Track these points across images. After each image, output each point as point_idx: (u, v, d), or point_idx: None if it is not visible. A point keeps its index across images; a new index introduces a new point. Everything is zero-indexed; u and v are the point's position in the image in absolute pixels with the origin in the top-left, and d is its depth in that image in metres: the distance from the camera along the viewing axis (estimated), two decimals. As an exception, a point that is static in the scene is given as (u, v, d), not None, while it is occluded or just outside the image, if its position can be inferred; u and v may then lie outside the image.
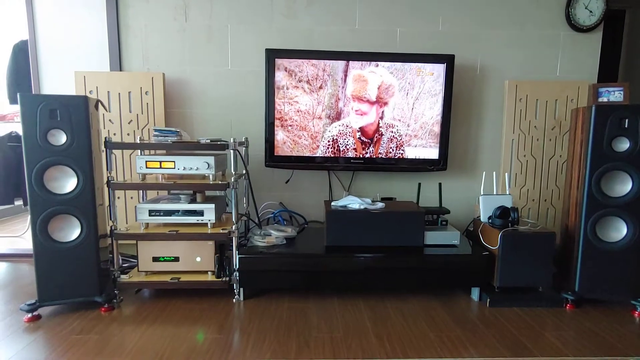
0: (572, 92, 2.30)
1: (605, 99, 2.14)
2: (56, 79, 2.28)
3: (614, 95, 2.12)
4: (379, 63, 2.12)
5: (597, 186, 1.75)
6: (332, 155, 2.20)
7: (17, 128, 2.95)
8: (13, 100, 2.77)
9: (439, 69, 2.14)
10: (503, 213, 1.87)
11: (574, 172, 1.87)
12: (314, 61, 2.11)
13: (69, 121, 1.59)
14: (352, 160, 2.20)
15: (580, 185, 1.81)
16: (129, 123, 2.23)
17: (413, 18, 2.29)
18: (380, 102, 2.14)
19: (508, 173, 2.28)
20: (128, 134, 2.23)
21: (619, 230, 1.78)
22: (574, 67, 2.36)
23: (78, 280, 1.67)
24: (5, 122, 3.07)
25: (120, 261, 1.94)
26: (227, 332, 1.55)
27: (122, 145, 1.93)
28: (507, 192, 2.05)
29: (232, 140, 1.81)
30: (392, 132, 2.16)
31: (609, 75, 2.35)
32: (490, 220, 1.93)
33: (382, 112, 2.15)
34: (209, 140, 1.81)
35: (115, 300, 1.77)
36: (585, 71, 2.36)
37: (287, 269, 1.81)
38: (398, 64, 2.12)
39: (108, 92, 2.20)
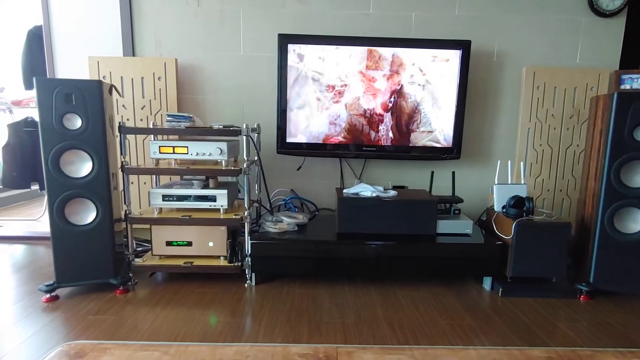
0: (592, 79, 2.23)
1: (627, 86, 2.08)
2: (70, 64, 2.29)
3: (637, 82, 2.05)
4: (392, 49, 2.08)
5: (616, 176, 1.71)
6: (344, 143, 2.18)
7: (33, 113, 3.00)
8: (28, 86, 2.80)
9: (455, 55, 2.09)
10: (517, 203, 1.84)
11: (592, 161, 1.82)
12: (326, 46, 2.08)
13: (84, 106, 1.60)
14: (363, 148, 2.19)
15: (598, 176, 1.76)
16: (142, 108, 2.24)
17: (429, 2, 2.23)
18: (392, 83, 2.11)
19: (523, 162, 2.23)
20: (141, 120, 2.25)
21: (637, 222, 1.74)
22: (595, 54, 2.28)
23: (94, 262, 1.70)
24: (21, 108, 3.12)
25: (135, 245, 1.97)
26: (240, 316, 1.57)
27: (136, 130, 1.94)
28: (522, 182, 2.01)
29: (244, 126, 1.81)
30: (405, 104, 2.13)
31: (632, 62, 2.26)
32: (504, 210, 1.90)
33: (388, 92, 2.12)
34: (221, 126, 1.81)
35: (130, 283, 1.81)
36: (607, 58, 2.28)
37: (299, 255, 1.82)
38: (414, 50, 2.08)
39: (121, 77, 2.20)
